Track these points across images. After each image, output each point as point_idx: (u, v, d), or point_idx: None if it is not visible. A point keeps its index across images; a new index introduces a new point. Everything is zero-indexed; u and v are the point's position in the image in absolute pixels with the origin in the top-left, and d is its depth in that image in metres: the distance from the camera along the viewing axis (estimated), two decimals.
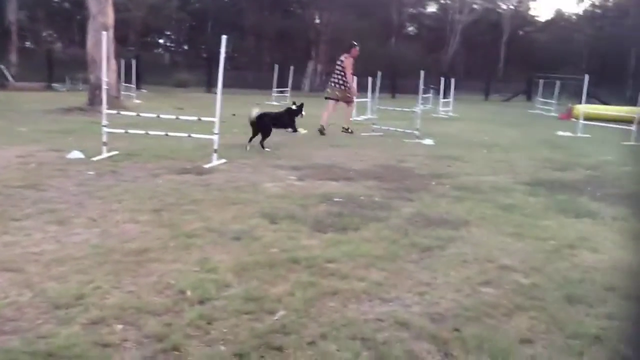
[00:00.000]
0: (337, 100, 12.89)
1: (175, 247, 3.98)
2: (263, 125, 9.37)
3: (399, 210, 5.36)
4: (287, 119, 10.10)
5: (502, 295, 3.38)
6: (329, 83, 13.13)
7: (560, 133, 14.86)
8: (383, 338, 2.77)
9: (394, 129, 12.53)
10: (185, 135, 8.63)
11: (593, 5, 53.45)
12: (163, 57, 51.98)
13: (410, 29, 55.78)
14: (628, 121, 15.11)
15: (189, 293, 3.16)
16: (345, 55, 12.89)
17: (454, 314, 3.07)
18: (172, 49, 51.69)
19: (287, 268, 3.65)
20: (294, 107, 10.14)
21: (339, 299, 3.21)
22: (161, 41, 52.77)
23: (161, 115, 9.65)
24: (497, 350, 2.68)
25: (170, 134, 8.68)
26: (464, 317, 3.03)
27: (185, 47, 53.25)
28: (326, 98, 13.05)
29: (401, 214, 5.21)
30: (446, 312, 3.11)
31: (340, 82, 12.81)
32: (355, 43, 13.14)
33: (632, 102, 24.03)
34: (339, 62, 12.92)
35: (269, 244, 4.13)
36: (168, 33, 50.24)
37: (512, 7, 54.93)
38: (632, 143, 12.69)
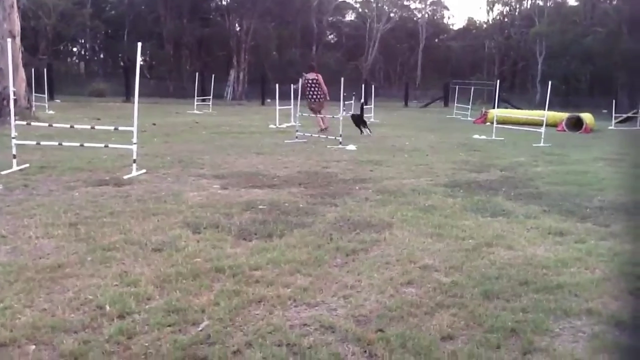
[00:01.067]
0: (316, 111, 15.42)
1: (93, 261, 3.82)
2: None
3: (324, 215, 5.40)
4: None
5: (424, 294, 3.47)
6: (310, 99, 15.47)
7: (476, 136, 15.48)
8: (309, 342, 2.77)
9: (317, 135, 12.63)
10: (102, 145, 8.34)
11: (501, 14, 56.20)
12: (78, 66, 50.11)
13: (331, 37, 56.54)
14: (537, 124, 15.98)
15: (108, 308, 3.04)
16: (315, 74, 15.50)
17: (378, 315, 3.12)
18: (87, 57, 49.86)
19: (211, 277, 3.59)
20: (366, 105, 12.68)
21: (265, 306, 3.19)
22: (75, 49, 50.84)
23: (76, 126, 9.30)
24: (420, 347, 2.75)
25: (86, 144, 8.36)
26: (387, 318, 3.09)
27: (102, 56, 51.56)
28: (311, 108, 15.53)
29: (326, 219, 5.25)
30: (370, 313, 3.16)
31: (316, 96, 15.39)
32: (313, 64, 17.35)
33: (540, 106, 25.43)
34: (310, 80, 15.33)
35: (192, 253, 4.05)
36: (82, 41, 48.42)
37: (427, 15, 56.85)
38: (541, 145, 13.41)
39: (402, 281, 3.67)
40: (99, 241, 4.28)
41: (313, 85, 15.31)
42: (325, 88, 15.45)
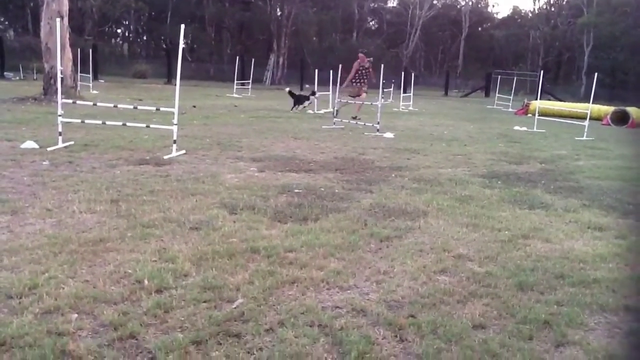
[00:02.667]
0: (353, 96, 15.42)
1: (133, 237, 3.93)
2: None
3: (359, 201, 5.41)
4: None
5: (457, 283, 3.46)
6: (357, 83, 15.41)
7: (517, 128, 15.22)
8: (340, 324, 2.80)
9: (354, 122, 12.61)
10: (144, 125, 8.51)
11: (548, 3, 54.76)
12: (121, 47, 51.01)
13: (371, 23, 56.09)
14: (581, 117, 15.59)
15: (146, 282, 3.14)
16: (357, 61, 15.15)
17: (410, 301, 3.14)
18: (131, 39, 50.66)
19: (247, 257, 3.66)
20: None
21: (298, 288, 3.24)
22: (119, 31, 51.72)
23: (119, 106, 9.49)
24: (451, 335, 2.75)
25: (128, 124, 8.54)
26: (419, 304, 3.10)
27: (144, 38, 52.34)
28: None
29: (361, 204, 5.27)
30: (402, 299, 3.17)
31: (354, 81, 15.26)
32: (362, 51, 16.49)
33: (585, 99, 24.79)
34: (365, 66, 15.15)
35: (229, 234, 4.12)
36: (126, 23, 49.22)
37: (470, 3, 55.81)
38: (584, 138, 13.09)
39: (436, 269, 3.66)
40: (139, 218, 4.39)
41: (365, 70, 15.20)
42: (352, 75, 15.27)
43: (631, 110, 19.62)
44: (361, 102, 14.97)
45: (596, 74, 15.96)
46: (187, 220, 4.40)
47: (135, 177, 5.95)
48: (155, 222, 4.28)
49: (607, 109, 20.21)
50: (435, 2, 52.88)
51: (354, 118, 14.15)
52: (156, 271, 3.30)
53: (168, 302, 2.92)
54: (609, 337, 2.87)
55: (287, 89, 18.24)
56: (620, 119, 19.14)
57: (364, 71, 15.07)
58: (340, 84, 14.64)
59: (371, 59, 15.61)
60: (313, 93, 17.42)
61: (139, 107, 9.87)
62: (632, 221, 5.22)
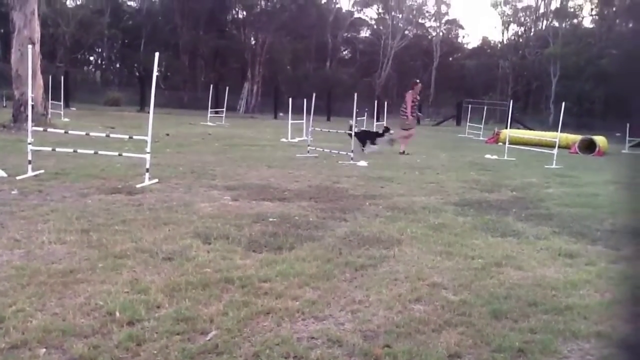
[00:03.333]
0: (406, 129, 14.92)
1: (104, 268, 3.86)
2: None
3: (334, 230, 5.42)
4: None
5: (432, 311, 3.47)
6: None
7: (488, 156, 15.46)
8: (316, 356, 2.78)
9: (329, 150, 12.69)
10: (116, 154, 8.43)
11: (516, 34, 56.30)
12: (94, 74, 50.70)
13: (345, 52, 56.86)
14: (550, 146, 15.94)
15: (118, 314, 3.07)
16: (410, 91, 14.99)
17: (386, 331, 3.13)
18: (104, 66, 50.42)
19: (221, 288, 3.62)
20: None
21: (273, 318, 3.21)
22: (92, 58, 51.45)
23: (91, 134, 9.41)
24: None
25: (100, 152, 8.45)
26: (395, 334, 3.09)
27: (118, 65, 52.13)
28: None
29: (335, 233, 5.27)
30: (378, 328, 3.16)
31: (401, 113, 15.02)
32: (417, 80, 15.65)
33: (553, 128, 25.39)
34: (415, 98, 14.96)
35: (202, 264, 4.08)
36: (99, 50, 49.02)
37: (441, 33, 57.04)
38: (553, 166, 13.36)
39: (411, 298, 3.67)
40: (110, 248, 4.32)
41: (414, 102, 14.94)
42: (409, 108, 14.84)
43: (598, 139, 20.14)
44: (409, 136, 14.81)
45: (563, 103, 16.40)
46: (160, 250, 4.34)
47: (107, 207, 5.87)
48: (127, 253, 4.22)
49: (575, 138, 20.72)
50: (407, 32, 53.93)
51: (402, 153, 14.12)
52: (128, 303, 3.24)
53: (140, 335, 2.86)
54: None
55: (350, 123, 13.80)
56: (587, 147, 19.62)
57: (416, 102, 14.92)
58: (308, 113, 14.20)
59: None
60: (387, 129, 15.12)
61: (111, 135, 9.78)
62: (601, 248, 5.32)
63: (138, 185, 7.18)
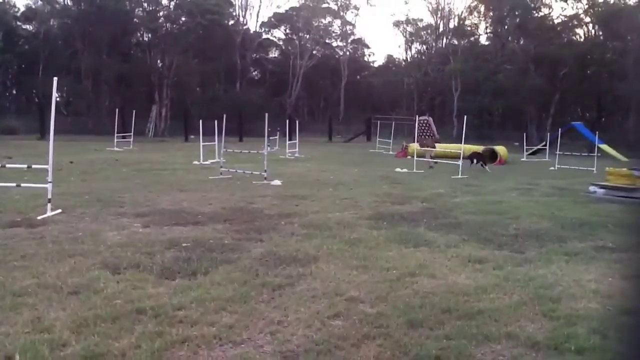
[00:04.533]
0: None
1: (2, 308, 3.59)
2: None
3: (249, 251, 5.34)
4: None
5: (350, 326, 3.48)
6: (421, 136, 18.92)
7: (398, 169, 15.91)
8: None
9: (242, 171, 12.58)
10: (14, 185, 7.94)
11: (419, 52, 58.63)
12: None
13: (254, 73, 56.89)
14: (455, 157, 16.63)
15: (17, 358, 2.86)
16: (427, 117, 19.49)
17: (306, 349, 3.10)
18: None
19: (132, 319, 3.46)
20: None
21: (189, 347, 3.10)
22: None
23: None
24: None
25: None
26: (315, 352, 3.07)
27: (14, 92, 49.32)
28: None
29: (251, 254, 5.20)
30: (297, 348, 3.13)
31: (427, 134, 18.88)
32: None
33: (457, 140, 26.53)
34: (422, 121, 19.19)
35: (112, 295, 3.89)
36: None
37: (348, 52, 58.41)
38: (459, 176, 13.94)
39: (329, 314, 3.67)
40: (8, 287, 4.02)
41: (423, 125, 18.90)
42: (434, 129, 19.01)
43: (498, 148, 21.25)
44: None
45: (465, 116, 17.20)
46: (65, 284, 4.10)
47: (4, 242, 5.48)
48: (28, 290, 3.95)
49: (478, 148, 21.74)
50: (314, 52, 54.73)
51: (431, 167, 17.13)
52: (29, 344, 3.03)
53: None
54: None
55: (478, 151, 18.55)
56: (489, 156, 20.65)
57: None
58: (219, 135, 14.87)
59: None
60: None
61: (7, 166, 9.21)
62: (507, 252, 5.58)
63: (39, 217, 6.77)
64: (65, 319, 3.41)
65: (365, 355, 3.05)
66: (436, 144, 19.15)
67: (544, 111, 44.06)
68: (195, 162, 16.55)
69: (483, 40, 53.28)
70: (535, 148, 26.79)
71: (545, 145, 25.52)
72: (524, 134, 27.67)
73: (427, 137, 18.73)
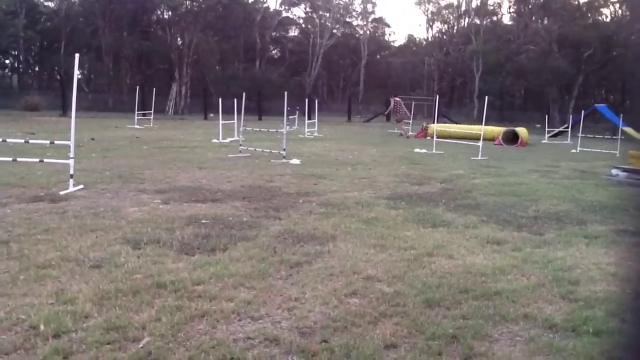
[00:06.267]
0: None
1: (26, 279, 3.67)
2: None
3: (267, 228, 5.38)
4: None
5: (367, 304, 3.50)
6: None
7: (417, 150, 15.81)
8: (253, 356, 2.75)
9: (261, 149, 12.61)
10: (37, 160, 8.05)
11: (440, 31, 57.88)
12: (10, 78, 48.20)
13: (274, 52, 56.68)
14: (475, 138, 16.49)
15: (42, 327, 2.92)
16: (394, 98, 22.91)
17: (322, 326, 3.13)
18: (21, 70, 48.00)
19: (152, 293, 3.52)
20: None
21: (208, 321, 3.15)
22: (7, 62, 48.84)
23: (8, 140, 8.93)
24: (364, 357, 2.77)
25: (19, 159, 8.04)
26: (332, 329, 3.10)
27: (36, 69, 49.76)
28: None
29: (269, 232, 5.24)
30: (314, 324, 3.16)
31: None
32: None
33: (478, 121, 26.26)
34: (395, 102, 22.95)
35: (132, 270, 3.95)
36: (15, 53, 46.58)
37: (368, 32, 57.88)
38: (479, 158, 13.83)
39: (346, 292, 3.69)
40: (32, 259, 4.11)
41: (397, 105, 22.78)
42: (404, 108, 23.11)
43: (520, 130, 21.01)
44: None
45: (486, 97, 16.99)
46: (87, 258, 4.17)
47: (28, 216, 5.58)
48: (51, 262, 4.03)
49: (499, 130, 21.52)
50: (335, 31, 54.32)
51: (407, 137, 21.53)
52: (53, 315, 3.10)
53: (67, 347, 2.74)
54: (511, 346, 3.01)
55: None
56: (511, 138, 20.43)
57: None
58: (238, 113, 15.00)
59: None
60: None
61: (31, 141, 9.34)
62: (526, 234, 5.55)
63: (62, 192, 6.88)
64: (87, 292, 3.48)
65: (382, 332, 3.07)
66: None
67: (567, 93, 43.37)
68: (215, 140, 16.61)
69: (506, 19, 52.45)
70: (557, 130, 26.41)
71: (567, 127, 25.15)
72: (546, 116, 27.28)
73: (398, 114, 22.88)
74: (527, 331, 3.19)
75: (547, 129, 24.98)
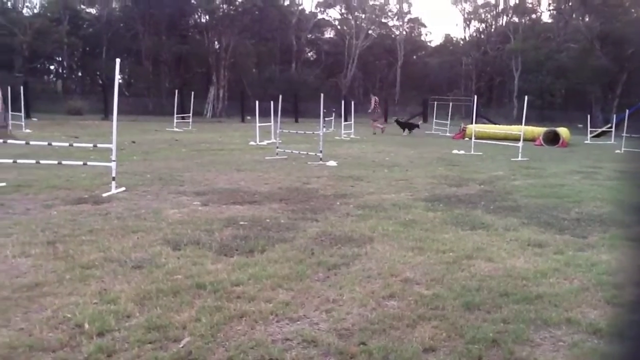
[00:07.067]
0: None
1: (72, 279, 3.77)
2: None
3: (305, 230, 5.40)
4: None
5: (405, 307, 3.48)
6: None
7: (455, 151, 15.64)
8: (291, 357, 2.76)
9: (297, 151, 12.67)
10: (81, 163, 8.27)
11: (477, 31, 57.09)
12: (55, 83, 49.62)
13: (310, 54, 56.87)
14: (515, 139, 16.21)
15: (86, 326, 3.00)
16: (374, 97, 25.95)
17: (360, 328, 3.13)
18: (65, 75, 49.38)
19: (192, 294, 3.57)
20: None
21: (247, 322, 3.17)
22: (52, 67, 50.30)
23: (53, 144, 9.20)
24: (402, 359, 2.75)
25: (64, 162, 8.27)
26: (370, 331, 3.09)
27: (79, 74, 51.11)
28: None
29: (307, 234, 5.25)
30: (352, 327, 3.16)
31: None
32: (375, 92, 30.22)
33: (517, 121, 25.82)
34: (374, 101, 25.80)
35: (173, 270, 4.02)
36: (59, 59, 47.94)
37: (404, 32, 57.53)
38: (519, 159, 13.59)
39: (384, 294, 3.67)
40: (77, 259, 4.22)
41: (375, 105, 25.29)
42: (377, 109, 25.64)
43: (561, 130, 20.56)
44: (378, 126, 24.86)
45: (526, 96, 16.69)
46: (129, 259, 4.26)
47: (73, 217, 5.74)
48: (95, 263, 4.13)
49: (539, 130, 21.10)
50: (370, 32, 54.19)
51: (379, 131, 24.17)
52: (97, 314, 3.17)
53: (111, 346, 2.80)
54: (554, 351, 2.94)
55: (395, 119, 27.05)
56: (552, 139, 20.01)
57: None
58: (275, 116, 15.31)
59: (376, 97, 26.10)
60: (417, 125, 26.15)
61: (75, 145, 9.60)
62: (569, 236, 5.42)
63: (104, 194, 7.05)
64: (129, 292, 3.56)
65: (421, 335, 3.04)
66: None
67: (610, 92, 42.21)
68: (252, 143, 16.76)
69: (545, 17, 51.40)
70: (600, 130, 25.74)
71: (610, 127, 24.48)
72: (588, 116, 26.60)
73: (375, 112, 25.18)
74: (571, 336, 3.11)
75: (589, 129, 24.37)
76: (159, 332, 2.98)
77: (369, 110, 25.47)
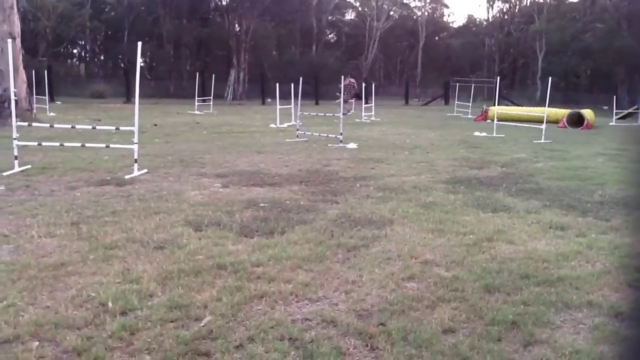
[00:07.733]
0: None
1: (95, 259, 3.84)
2: None
3: (325, 212, 5.41)
4: None
5: (425, 288, 3.48)
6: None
7: (477, 134, 15.48)
8: (311, 337, 2.79)
9: (318, 134, 12.65)
10: (104, 146, 8.37)
11: (501, 11, 56.09)
12: (78, 67, 50.08)
13: (330, 36, 56.47)
14: (538, 121, 15.98)
15: (110, 305, 3.06)
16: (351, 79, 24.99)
17: (380, 309, 3.14)
18: (87, 59, 49.81)
19: (213, 274, 3.61)
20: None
21: (267, 302, 3.21)
22: (75, 51, 50.76)
23: (77, 127, 9.33)
24: (421, 340, 2.76)
25: (87, 145, 8.38)
26: (389, 312, 3.10)
27: (102, 57, 51.50)
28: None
29: (327, 216, 5.27)
30: (372, 307, 3.17)
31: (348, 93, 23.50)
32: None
33: (541, 103, 25.45)
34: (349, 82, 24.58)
35: (194, 251, 4.07)
36: (82, 43, 48.35)
37: (426, 13, 56.78)
38: (542, 141, 13.41)
39: (403, 276, 3.68)
40: (101, 240, 4.30)
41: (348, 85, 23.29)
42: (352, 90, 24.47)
43: (585, 112, 20.21)
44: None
45: (550, 78, 16.40)
46: (151, 239, 4.33)
47: (96, 199, 5.83)
48: (118, 243, 4.20)
49: (563, 112, 20.76)
50: (392, 13, 53.56)
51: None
52: (120, 293, 3.23)
53: (134, 324, 2.85)
54: (574, 334, 2.93)
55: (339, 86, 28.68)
56: (576, 121, 19.68)
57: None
58: (295, 98, 15.34)
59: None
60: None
61: (97, 128, 9.72)
62: (591, 219, 5.36)
63: (127, 176, 7.14)
64: (151, 272, 3.62)
65: (440, 317, 3.05)
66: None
67: (637, 73, 41.26)
68: (272, 125, 16.78)
69: None
70: (625, 112, 25.24)
71: (637, 108, 23.99)
72: (614, 97, 26.09)
73: (347, 93, 23.74)
74: (592, 319, 3.09)
75: (615, 111, 23.91)
76: (180, 311, 3.03)
77: (338, 93, 25.26)
